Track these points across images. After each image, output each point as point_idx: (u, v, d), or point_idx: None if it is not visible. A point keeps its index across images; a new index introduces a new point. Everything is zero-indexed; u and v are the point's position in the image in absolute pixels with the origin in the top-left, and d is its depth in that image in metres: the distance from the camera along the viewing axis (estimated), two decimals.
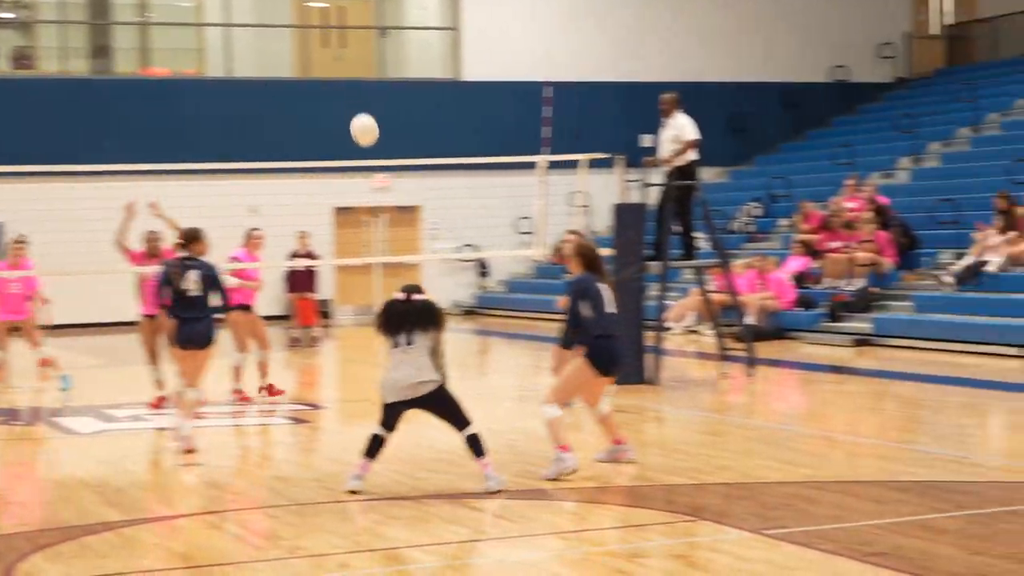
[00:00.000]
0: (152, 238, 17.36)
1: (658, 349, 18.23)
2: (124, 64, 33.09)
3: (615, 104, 33.96)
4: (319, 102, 32.64)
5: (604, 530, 9.99)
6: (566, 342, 12.78)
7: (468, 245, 32.25)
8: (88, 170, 23.86)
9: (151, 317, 16.51)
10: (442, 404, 11.21)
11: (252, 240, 18.64)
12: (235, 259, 18.20)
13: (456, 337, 25.20)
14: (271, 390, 17.41)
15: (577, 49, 34.51)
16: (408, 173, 31.19)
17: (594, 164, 20.46)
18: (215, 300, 13.58)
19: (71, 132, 30.53)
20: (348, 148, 30.34)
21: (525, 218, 32.23)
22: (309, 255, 28.02)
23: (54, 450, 14.57)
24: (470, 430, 11.20)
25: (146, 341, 16.68)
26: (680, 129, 18.80)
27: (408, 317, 11.20)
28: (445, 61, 34.48)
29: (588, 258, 12.09)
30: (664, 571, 8.59)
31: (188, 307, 13.46)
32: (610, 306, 11.92)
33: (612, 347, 11.96)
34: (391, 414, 11.18)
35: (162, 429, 15.16)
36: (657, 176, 19.42)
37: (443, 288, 33.82)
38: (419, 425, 14.99)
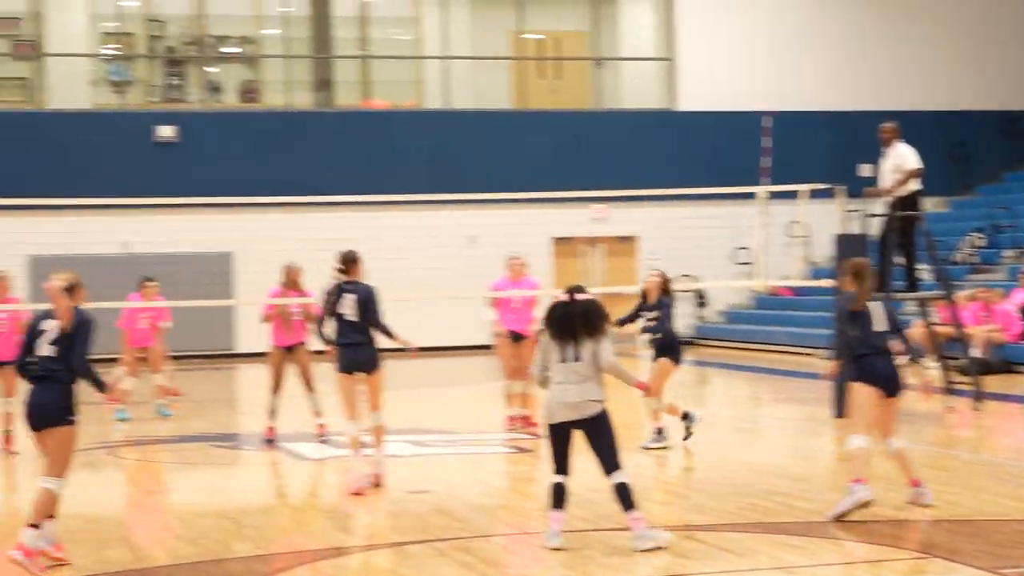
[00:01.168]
0: (289, 270, 17.38)
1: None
2: (345, 97, 33.71)
3: (832, 134, 33.60)
4: (536, 133, 32.92)
5: (830, 566, 9.90)
6: (836, 356, 12.40)
7: (686, 275, 32.17)
8: (311, 201, 24.41)
9: (284, 348, 16.87)
10: (599, 434, 10.39)
11: (513, 268, 17.90)
12: (497, 288, 17.75)
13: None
14: (528, 421, 16.98)
15: (793, 78, 34.21)
16: (625, 204, 31.32)
17: (813, 194, 20.27)
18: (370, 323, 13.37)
19: (295, 164, 31.22)
20: (565, 178, 30.77)
21: (743, 248, 32.08)
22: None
23: (284, 475, 14.88)
24: (619, 477, 10.34)
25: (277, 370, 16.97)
26: (901, 158, 18.59)
27: (572, 321, 10.39)
28: (660, 91, 34.49)
29: (860, 276, 11.81)
30: None
31: (346, 331, 13.39)
32: (879, 324, 11.64)
33: (875, 364, 11.61)
34: (557, 439, 10.44)
35: (394, 456, 15.44)
36: (879, 206, 19.22)
37: None
38: (640, 456, 15.08)
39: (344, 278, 13.55)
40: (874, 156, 19.58)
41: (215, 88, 33.29)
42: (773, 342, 29.83)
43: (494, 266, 28.91)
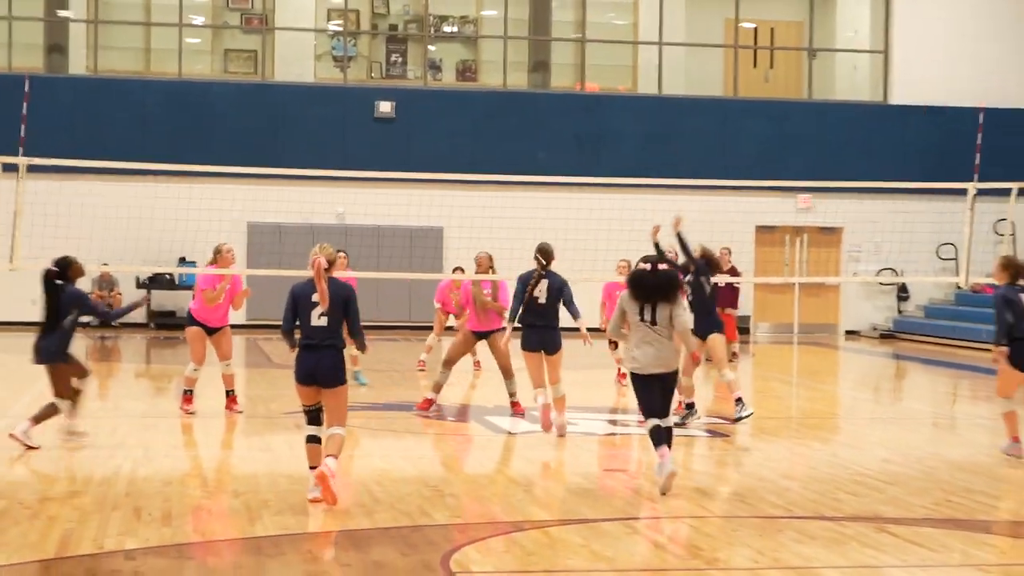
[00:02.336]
0: (480, 260, 17.73)
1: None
2: (560, 79, 33.77)
3: None
4: (747, 121, 32.68)
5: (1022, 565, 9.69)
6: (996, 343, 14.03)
7: (888, 269, 31.68)
8: (522, 180, 24.48)
9: (477, 333, 17.03)
10: (670, 388, 11.96)
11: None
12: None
13: (872, 360, 24.87)
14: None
15: (1008, 73, 33.42)
16: (831, 194, 30.98)
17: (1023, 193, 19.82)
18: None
19: (508, 143, 31.41)
20: (773, 167, 30.47)
21: (947, 244, 31.49)
22: (732, 271, 27.97)
23: (483, 447, 14.98)
24: (669, 421, 11.91)
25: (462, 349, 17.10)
26: None
27: (654, 290, 11.74)
28: (874, 84, 33.97)
29: (1014, 270, 14.03)
30: None
31: (538, 314, 14.81)
32: None
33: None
34: (647, 388, 11.83)
35: (588, 434, 15.49)
36: None
37: (861, 310, 33.38)
38: (835, 446, 14.89)
39: (542, 267, 14.89)
40: None
41: (434, 66, 33.59)
42: (972, 339, 29.21)
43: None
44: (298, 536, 10.04)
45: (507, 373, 16.48)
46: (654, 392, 11.78)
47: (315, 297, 11.07)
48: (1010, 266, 14.09)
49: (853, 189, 26.84)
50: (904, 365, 26.84)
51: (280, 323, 11.33)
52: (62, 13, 32.42)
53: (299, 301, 11.18)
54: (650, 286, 11.70)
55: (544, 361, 14.80)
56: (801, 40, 34.56)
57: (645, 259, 12.03)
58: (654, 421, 11.76)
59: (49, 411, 13.78)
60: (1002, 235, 26.61)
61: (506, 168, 26.84)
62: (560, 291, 14.86)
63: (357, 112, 31.56)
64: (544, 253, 15.00)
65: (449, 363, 16.72)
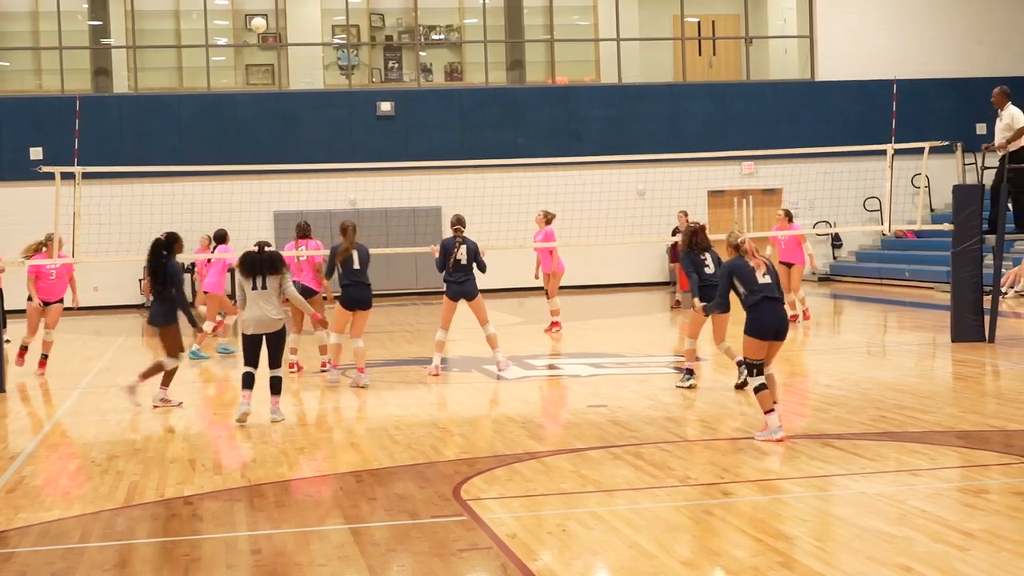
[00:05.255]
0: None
1: (994, 311, 17.55)
2: (534, 75, 33.66)
3: (952, 98, 32.75)
4: (695, 101, 32.63)
5: (950, 469, 9.69)
6: None
7: (823, 221, 31.68)
8: (506, 163, 24.47)
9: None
10: (279, 343, 12.57)
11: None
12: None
13: (812, 301, 24.87)
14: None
15: (918, 49, 33.38)
16: (771, 161, 30.99)
17: (934, 151, 19.78)
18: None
19: (493, 132, 31.34)
20: (720, 141, 30.43)
21: (872, 198, 31.51)
22: None
23: (484, 392, 14.99)
24: (278, 372, 12.63)
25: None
26: (1012, 118, 18.00)
27: (261, 265, 12.50)
28: (802, 64, 33.89)
29: None
30: (1009, 506, 8.30)
31: (460, 271, 15.76)
32: None
33: None
34: (252, 344, 12.48)
35: (574, 376, 15.51)
36: (992, 161, 18.68)
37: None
38: (785, 375, 14.89)
39: (459, 234, 15.81)
40: (989, 117, 19.00)
41: (426, 69, 33.45)
42: (898, 278, 29.26)
43: (660, 215, 28.96)
44: (329, 476, 10.05)
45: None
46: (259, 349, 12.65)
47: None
48: None
49: (789, 155, 26.77)
50: (840, 303, 26.85)
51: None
52: (105, 41, 32.27)
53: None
54: (256, 261, 12.67)
55: (467, 307, 15.97)
56: (738, 30, 34.45)
57: (256, 243, 12.88)
58: (248, 369, 12.71)
59: (155, 368, 13.73)
60: (918, 187, 26.60)
61: (491, 154, 26.86)
62: (475, 252, 15.80)
63: (362, 112, 31.47)
64: (460, 222, 16.00)
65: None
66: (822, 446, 10.43)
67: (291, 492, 9.59)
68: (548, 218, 21.11)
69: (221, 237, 18.75)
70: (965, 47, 33.61)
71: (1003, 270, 20.60)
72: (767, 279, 10.92)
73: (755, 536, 7.65)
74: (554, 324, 20.71)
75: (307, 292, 16.00)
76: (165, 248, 13.64)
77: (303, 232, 16.84)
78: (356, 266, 15.02)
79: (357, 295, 15.03)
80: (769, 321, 10.84)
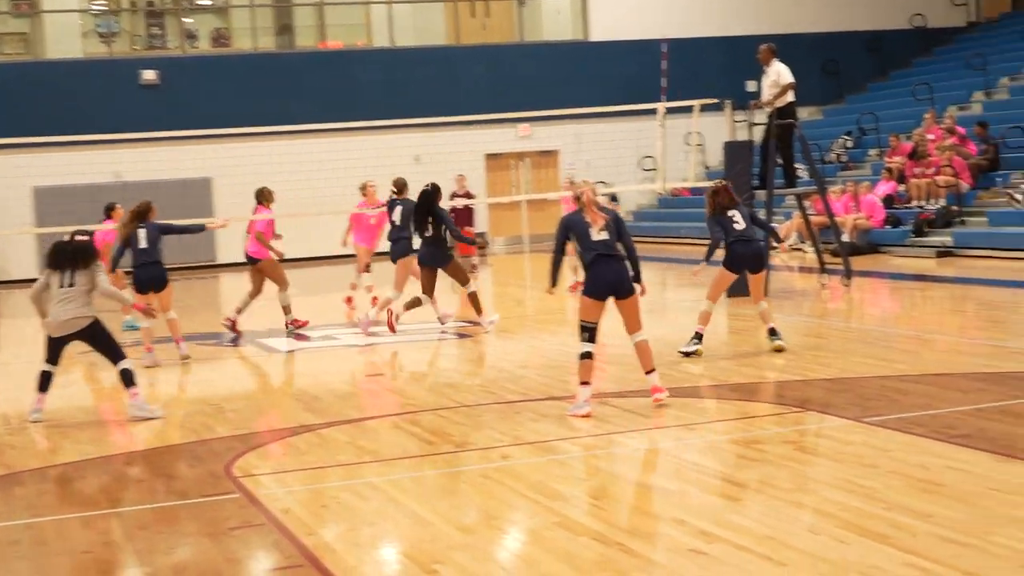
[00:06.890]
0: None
1: (765, 263, 17.97)
2: (304, 39, 33.29)
3: (722, 56, 33.51)
4: (469, 64, 32.69)
5: (724, 421, 9.92)
6: None
7: (601, 181, 32.07)
8: (277, 130, 24.15)
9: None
10: (100, 338, 11.20)
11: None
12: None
13: None
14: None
15: (689, 10, 34.09)
16: (547, 122, 31.21)
17: (706, 109, 20.18)
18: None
19: (262, 99, 30.87)
20: (495, 103, 30.52)
21: (648, 157, 32.05)
22: (467, 195, 28.10)
23: (259, 365, 14.80)
24: (124, 364, 11.22)
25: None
26: (777, 75, 18.53)
27: (69, 256, 11.19)
28: (575, 25, 34.24)
29: None
30: (779, 455, 8.53)
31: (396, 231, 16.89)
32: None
33: None
34: (55, 347, 11.23)
35: (350, 346, 15.40)
36: (761, 117, 19.17)
37: None
38: (563, 337, 15.05)
39: (397, 195, 17.09)
40: (757, 74, 19.49)
41: (191, 36, 32.76)
42: (674, 235, 29.87)
43: (439, 180, 28.77)
44: (95, 460, 9.76)
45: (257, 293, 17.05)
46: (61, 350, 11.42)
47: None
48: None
49: (564, 116, 26.96)
50: None
51: None
52: None
53: None
54: (64, 252, 11.29)
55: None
56: None
57: (72, 232, 11.76)
58: (46, 366, 11.39)
59: (414, 303, 15.66)
60: (690, 145, 27.13)
61: (263, 121, 26.36)
62: (411, 212, 16.20)
63: (124, 82, 30.65)
64: (398, 185, 17.31)
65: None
66: (601, 404, 10.55)
67: (54, 479, 9.29)
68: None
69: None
70: (734, 6, 34.46)
71: (774, 225, 21.25)
72: (603, 235, 10.28)
73: (532, 498, 7.70)
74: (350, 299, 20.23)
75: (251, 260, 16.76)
76: (432, 197, 15.84)
77: (258, 198, 17.35)
78: (143, 245, 14.62)
79: (147, 275, 14.66)
80: (603, 279, 10.25)
